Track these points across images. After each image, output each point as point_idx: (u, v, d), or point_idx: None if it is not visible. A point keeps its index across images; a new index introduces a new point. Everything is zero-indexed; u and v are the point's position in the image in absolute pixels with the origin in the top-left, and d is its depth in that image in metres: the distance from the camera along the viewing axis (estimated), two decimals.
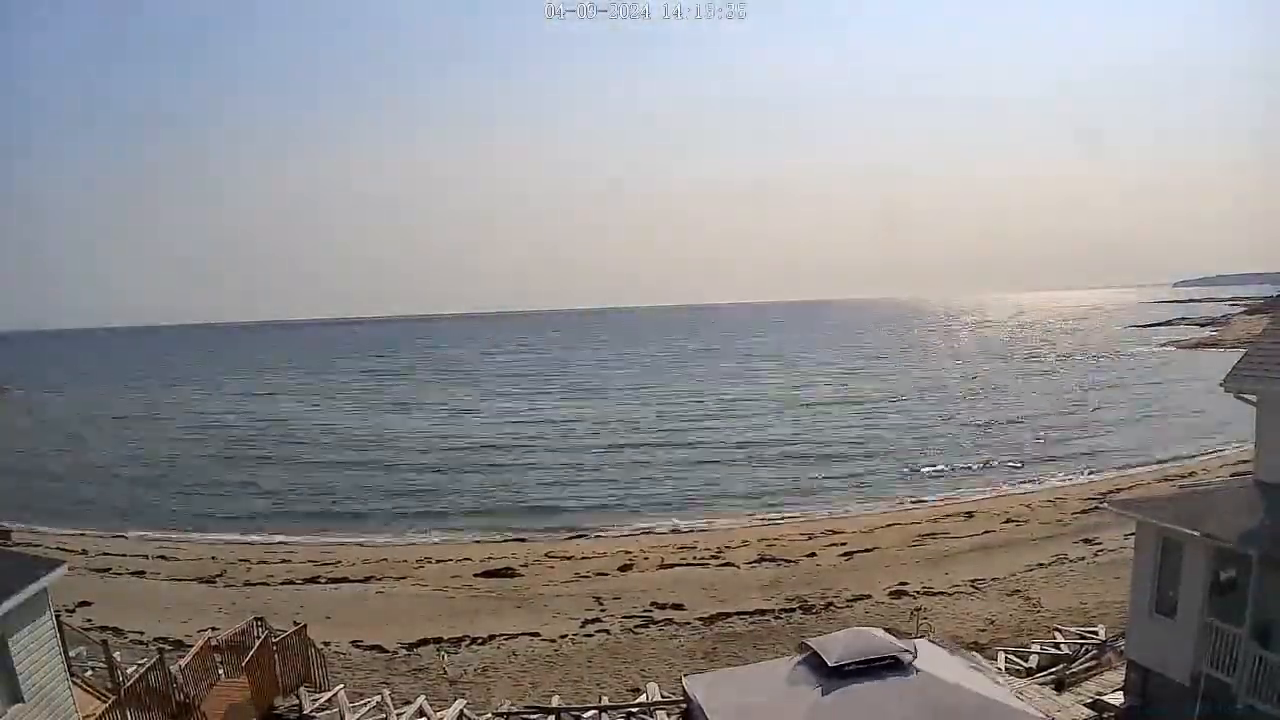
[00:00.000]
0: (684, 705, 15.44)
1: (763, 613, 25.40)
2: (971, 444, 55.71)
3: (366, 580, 30.60)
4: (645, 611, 26.02)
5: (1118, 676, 16.65)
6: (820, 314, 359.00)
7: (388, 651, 23.10)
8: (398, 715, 18.11)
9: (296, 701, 17.84)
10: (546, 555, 33.57)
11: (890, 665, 12.77)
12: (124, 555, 34.61)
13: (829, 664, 12.82)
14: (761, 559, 31.54)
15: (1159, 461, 47.14)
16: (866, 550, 32.01)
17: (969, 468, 48.88)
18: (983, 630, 22.63)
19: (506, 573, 30.92)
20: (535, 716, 18.31)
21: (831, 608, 25.54)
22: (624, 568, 31.18)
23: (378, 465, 56.42)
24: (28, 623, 12.73)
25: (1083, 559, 28.57)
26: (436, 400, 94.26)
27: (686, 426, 68.25)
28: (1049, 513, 36.00)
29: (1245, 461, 33.78)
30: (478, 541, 37.39)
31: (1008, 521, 34.98)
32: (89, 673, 16.78)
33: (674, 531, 37.93)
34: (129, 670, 16.69)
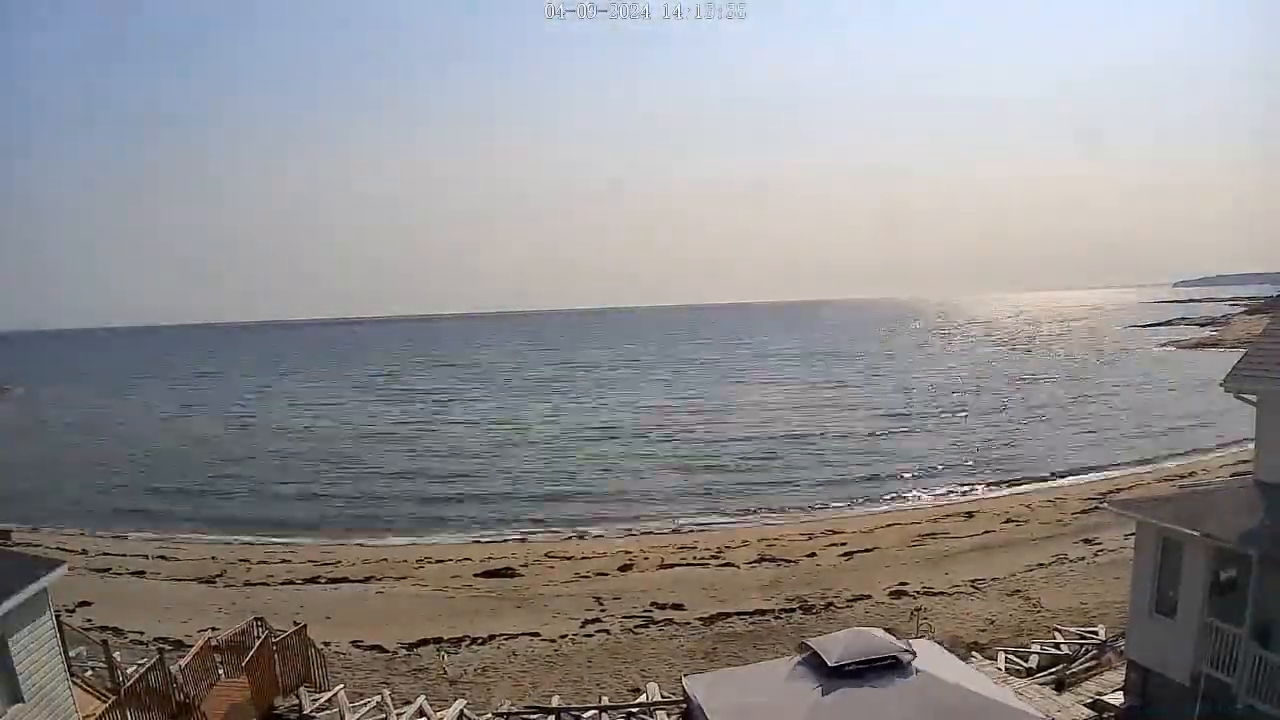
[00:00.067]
0: (684, 705, 15.44)
1: (763, 613, 25.39)
2: (971, 444, 55.68)
3: (366, 580, 30.61)
4: (645, 611, 26.01)
5: (1118, 676, 16.65)
6: (819, 313, 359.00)
7: (388, 651, 23.09)
8: (398, 715, 18.10)
9: (296, 701, 17.84)
10: (546, 555, 33.59)
11: (890, 665, 12.80)
12: (124, 555, 34.62)
13: (829, 664, 12.84)
14: (761, 559, 31.54)
15: (1159, 461, 47.09)
16: (866, 550, 32.01)
17: (969, 468, 48.84)
18: (983, 630, 22.60)
19: (506, 573, 30.93)
20: (535, 716, 18.30)
21: (831, 608, 25.52)
22: (624, 568, 31.18)
23: (377, 466, 56.45)
24: (28, 623, 12.73)
25: (1083, 559, 28.55)
26: (436, 400, 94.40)
27: (686, 426, 68.22)
28: (1049, 513, 35.97)
29: (1245, 461, 33.76)
30: (478, 541, 37.49)
31: (1008, 521, 34.97)
32: (89, 673, 16.75)
33: (674, 531, 37.96)
34: (129, 670, 16.70)
